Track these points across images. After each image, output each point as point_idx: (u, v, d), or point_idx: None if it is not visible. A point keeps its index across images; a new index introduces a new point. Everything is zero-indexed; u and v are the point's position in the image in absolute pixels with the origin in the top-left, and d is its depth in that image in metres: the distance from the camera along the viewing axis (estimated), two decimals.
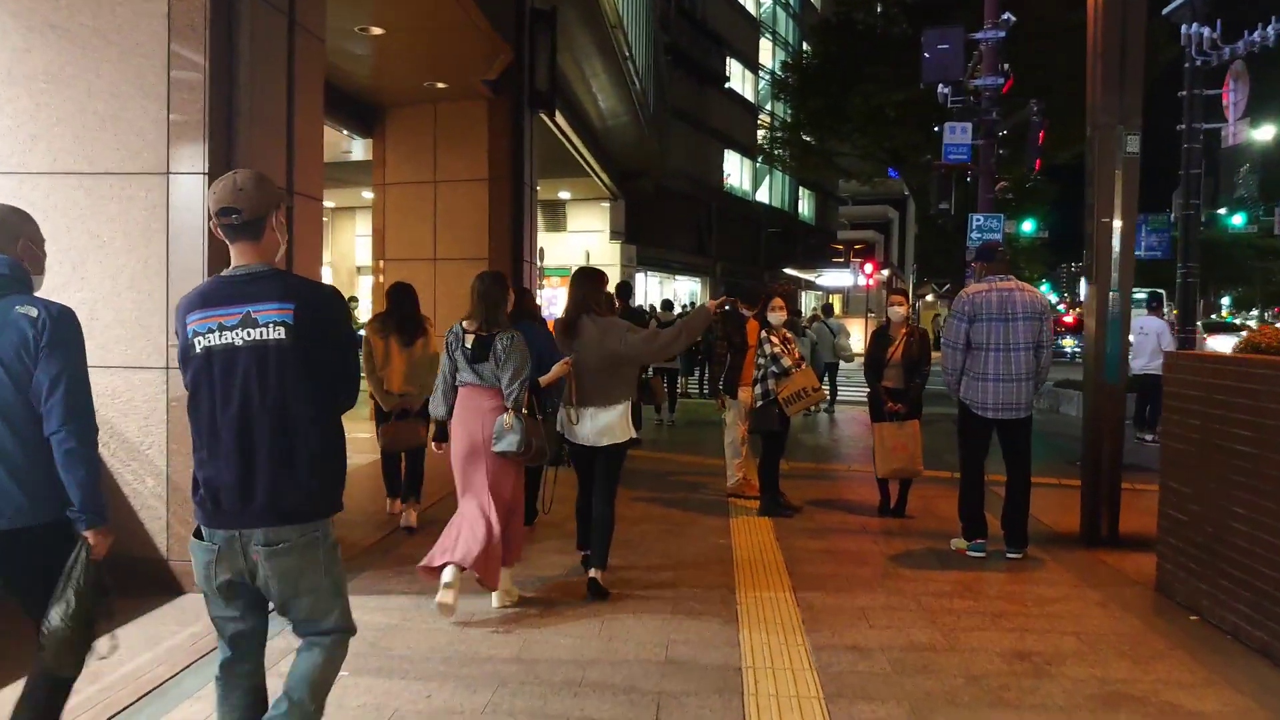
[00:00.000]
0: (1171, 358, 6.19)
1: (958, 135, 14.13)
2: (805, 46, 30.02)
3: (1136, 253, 7.87)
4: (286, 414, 2.61)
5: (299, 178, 5.59)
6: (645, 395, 10.14)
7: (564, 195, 30.71)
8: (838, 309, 49.24)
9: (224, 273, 2.71)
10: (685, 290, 37.35)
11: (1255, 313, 60.53)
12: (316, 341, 2.66)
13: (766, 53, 45.53)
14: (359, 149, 12.45)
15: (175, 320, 2.70)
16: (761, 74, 45.16)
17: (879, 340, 7.84)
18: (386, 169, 11.25)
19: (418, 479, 7.05)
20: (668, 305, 12.64)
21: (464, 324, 5.08)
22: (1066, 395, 15.57)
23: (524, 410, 4.94)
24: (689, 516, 7.81)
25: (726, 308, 6.98)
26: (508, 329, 5.02)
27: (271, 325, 2.59)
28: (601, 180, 27.73)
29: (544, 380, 5.27)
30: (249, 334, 2.59)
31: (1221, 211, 17.56)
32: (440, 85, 10.48)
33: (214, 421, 2.63)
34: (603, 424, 5.38)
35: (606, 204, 30.62)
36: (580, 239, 31.00)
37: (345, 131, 11.58)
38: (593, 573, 5.46)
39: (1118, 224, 6.82)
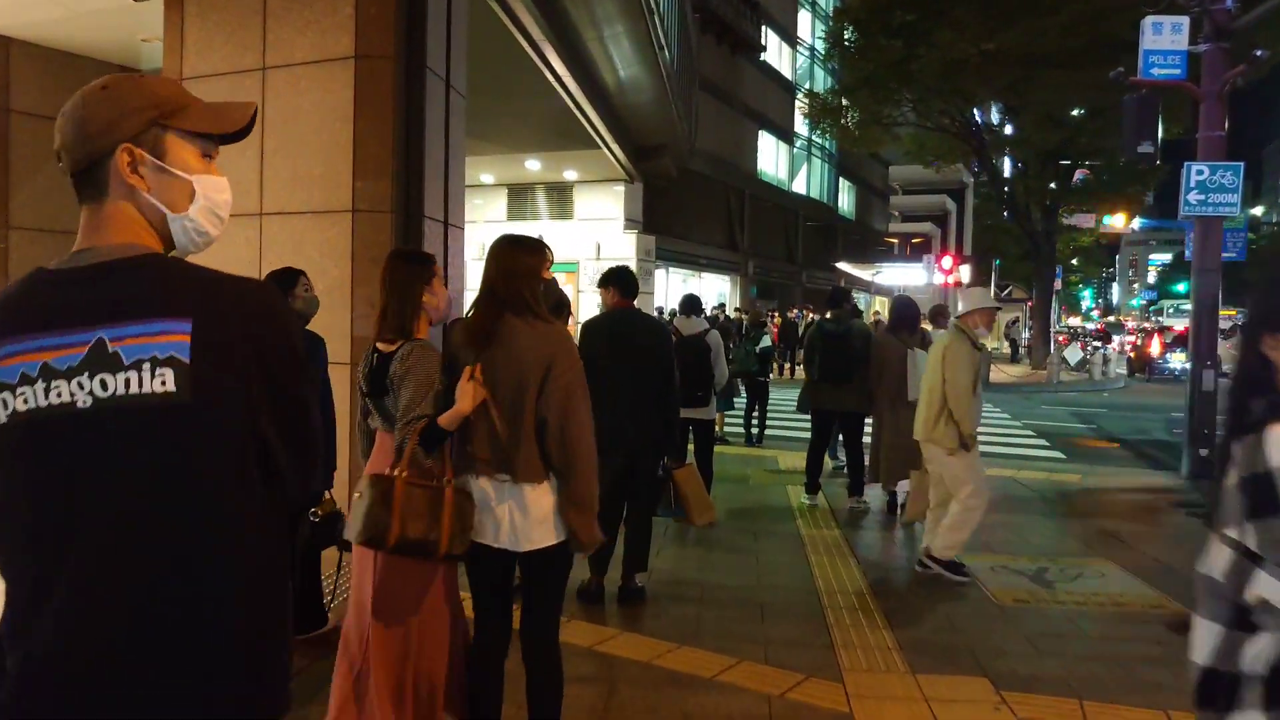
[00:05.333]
0: None
1: (1166, 37, 9.01)
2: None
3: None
4: (177, 555, 1.36)
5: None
6: (661, 498, 5.17)
7: (570, 175, 26.64)
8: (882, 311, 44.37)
9: (52, 263, 1.45)
10: (713, 290, 32.48)
11: None
12: (241, 396, 1.39)
13: (805, 26, 40.77)
14: (149, 16, 7.49)
15: None
16: (800, 49, 40.38)
17: None
18: (185, 53, 6.39)
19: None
20: (691, 306, 6.99)
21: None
22: None
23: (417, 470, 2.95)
24: None
25: None
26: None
27: (149, 367, 1.34)
28: (615, 156, 23.48)
29: (444, 419, 2.90)
30: (104, 386, 1.34)
31: None
32: None
33: (35, 571, 1.36)
34: (521, 513, 2.89)
35: (621, 187, 26.61)
36: (589, 228, 27.06)
37: None
38: None
39: None
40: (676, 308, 7.88)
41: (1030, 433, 13.70)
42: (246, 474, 1.42)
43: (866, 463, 7.56)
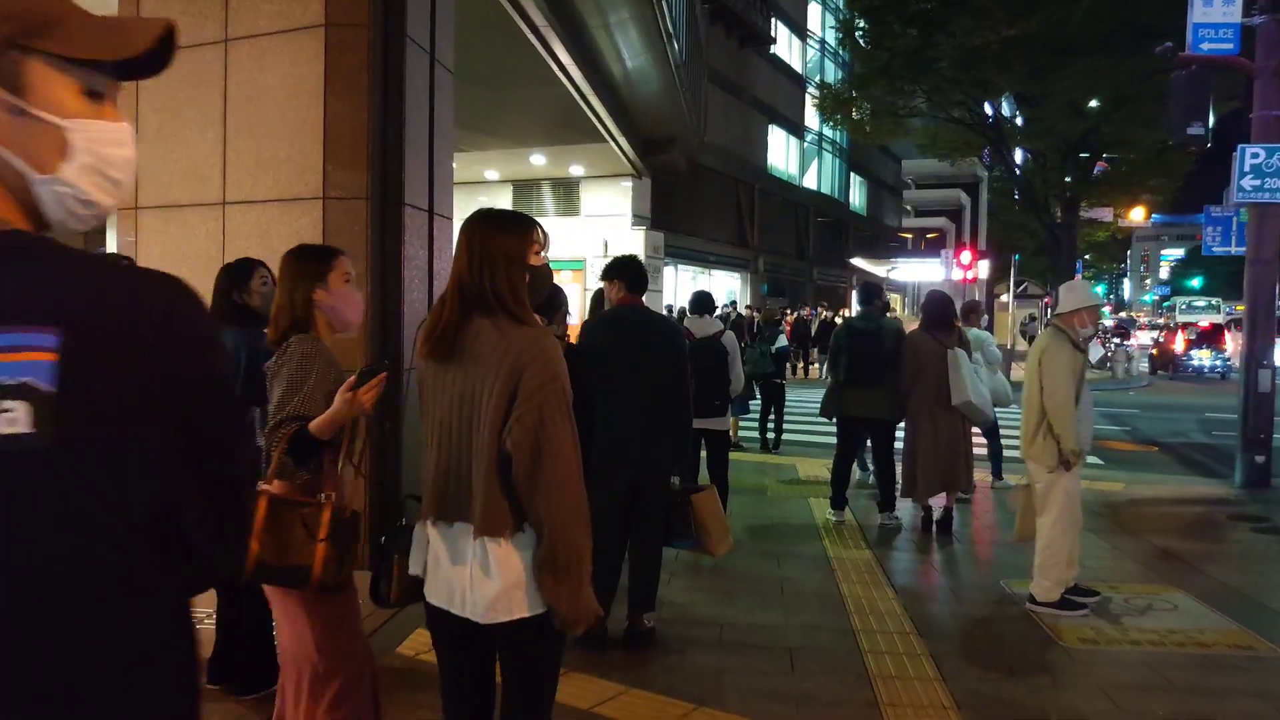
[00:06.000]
0: None
1: (1217, 9, 8.28)
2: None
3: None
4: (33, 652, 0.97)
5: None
6: (674, 525, 4.46)
7: (576, 171, 26.07)
8: (900, 310, 43.46)
9: None
10: (723, 288, 31.77)
11: None
12: (132, 438, 1.02)
13: (815, 18, 40.01)
14: None
15: None
16: (810, 42, 39.64)
17: None
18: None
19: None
20: (703, 304, 6.92)
21: None
22: None
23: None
24: None
25: None
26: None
27: None
28: (622, 150, 22.87)
29: (315, 425, 2.58)
30: None
31: None
32: None
33: None
34: (483, 574, 2.15)
35: (628, 183, 26.02)
36: (596, 225, 26.54)
37: None
38: None
39: None
40: (686, 306, 7.19)
41: None
42: (136, 545, 1.03)
43: (899, 474, 6.88)
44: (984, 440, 8.28)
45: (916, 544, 6.52)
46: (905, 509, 7.15)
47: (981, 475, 7.95)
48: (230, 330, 3.34)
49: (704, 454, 6.51)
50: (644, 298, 4.57)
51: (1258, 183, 8.18)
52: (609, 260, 4.64)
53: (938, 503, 6.81)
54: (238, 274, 3.50)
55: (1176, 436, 13.38)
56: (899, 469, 6.90)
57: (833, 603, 5.08)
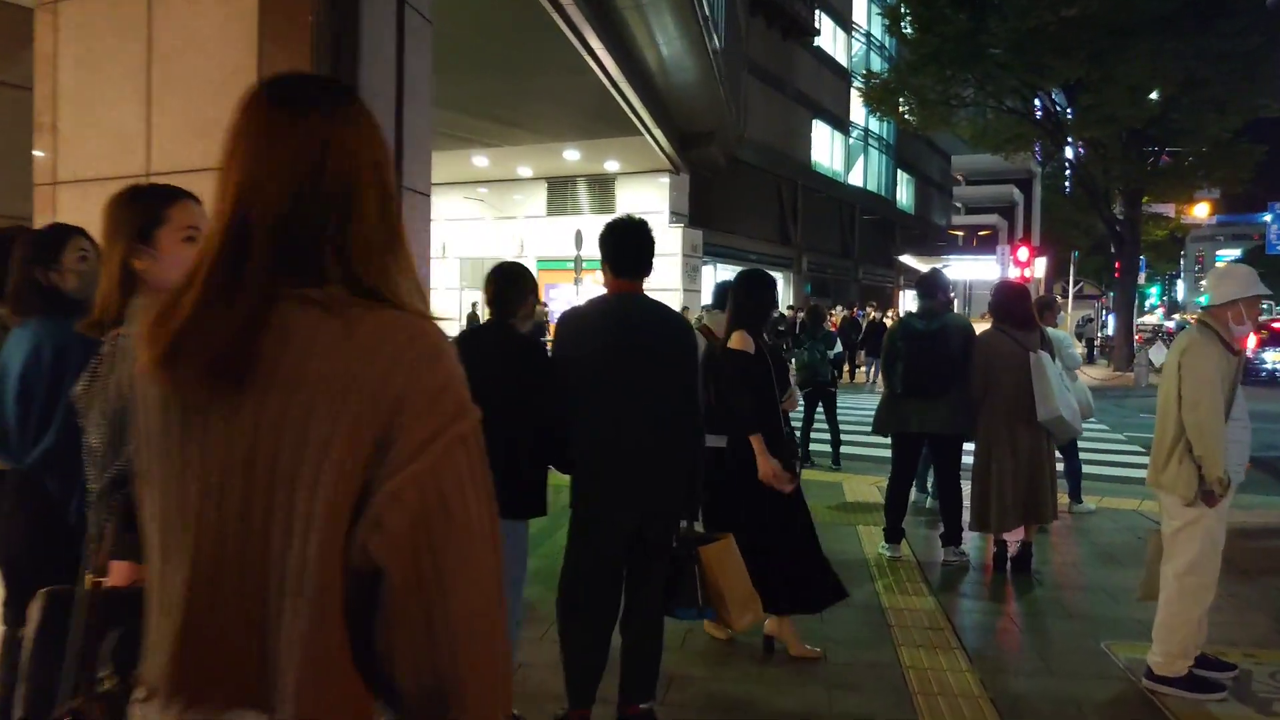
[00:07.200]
0: None
1: None
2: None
3: None
4: None
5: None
6: (677, 589, 3.37)
7: (611, 167, 25.18)
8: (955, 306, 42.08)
9: None
10: None
11: None
12: None
13: (861, 10, 38.77)
14: None
15: None
16: (856, 34, 38.41)
17: None
18: None
19: None
20: (727, 296, 5.40)
21: None
22: None
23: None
24: None
25: None
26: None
27: None
28: (658, 144, 21.94)
29: None
30: None
31: None
32: None
33: None
34: None
35: (666, 178, 25.12)
36: None
37: None
38: None
39: None
40: (712, 301, 6.14)
41: (1137, 448, 11.72)
42: None
43: (967, 503, 5.79)
44: (1060, 457, 7.13)
45: (989, 589, 5.42)
46: (972, 540, 6.07)
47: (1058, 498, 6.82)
48: (31, 322, 2.40)
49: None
50: (676, 295, 3.49)
51: None
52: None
53: (1013, 536, 5.71)
54: (45, 245, 2.53)
55: (1268, 449, 12.03)
56: (966, 494, 5.82)
57: (890, 674, 4.01)
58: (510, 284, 3.43)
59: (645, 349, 3.18)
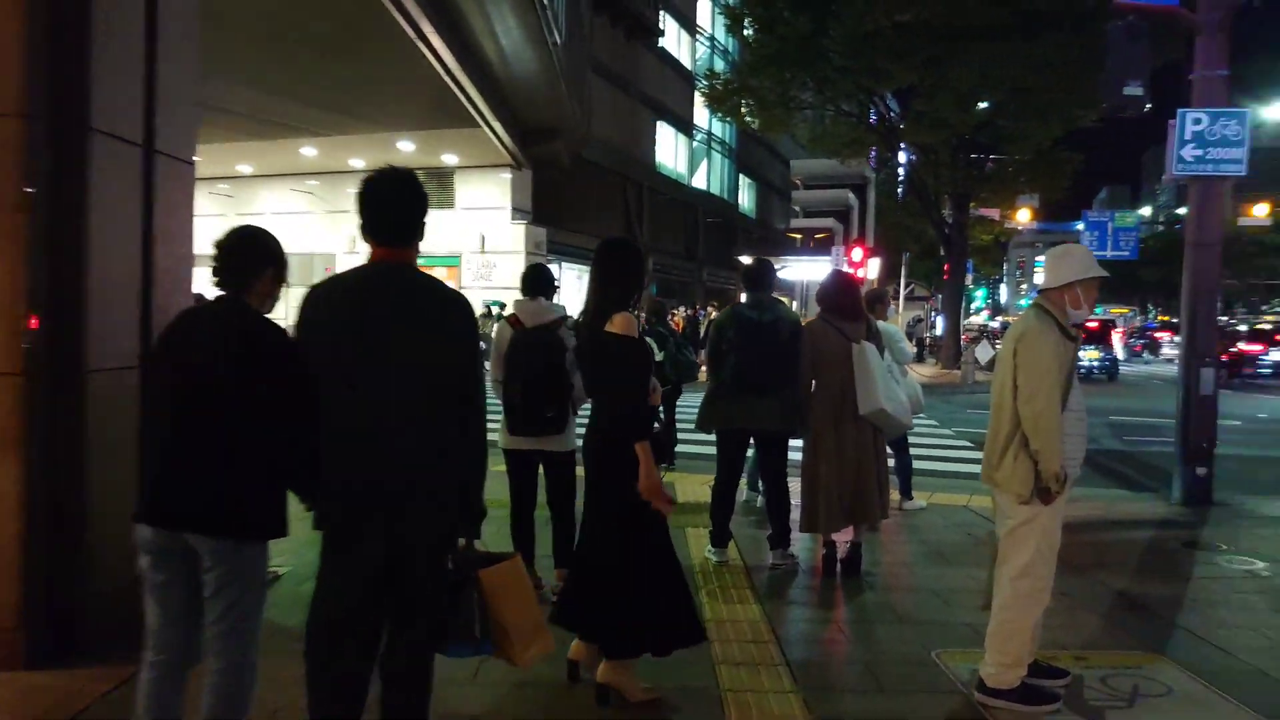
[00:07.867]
0: None
1: None
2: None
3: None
4: None
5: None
6: (450, 620, 2.76)
7: (450, 160, 24.28)
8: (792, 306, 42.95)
9: None
10: None
11: None
12: None
13: (705, 14, 39.06)
14: None
15: None
16: (700, 38, 38.69)
17: None
18: None
19: None
20: (538, 281, 4.70)
21: None
22: None
23: None
24: None
25: None
26: None
27: None
28: (499, 138, 21.21)
29: None
30: None
31: None
32: None
33: None
34: None
35: (507, 174, 24.41)
36: (473, 218, 24.82)
37: None
38: None
39: None
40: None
41: (966, 443, 11.88)
42: None
43: (796, 502, 5.43)
44: (890, 453, 6.92)
45: (818, 594, 5.07)
46: (803, 541, 5.73)
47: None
48: None
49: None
50: (418, 256, 2.84)
51: (1200, 153, 7.08)
52: None
53: (842, 537, 5.40)
54: None
55: (1089, 444, 12.47)
56: (795, 493, 5.47)
57: (707, 705, 3.54)
58: (241, 250, 2.76)
59: (387, 330, 2.51)
